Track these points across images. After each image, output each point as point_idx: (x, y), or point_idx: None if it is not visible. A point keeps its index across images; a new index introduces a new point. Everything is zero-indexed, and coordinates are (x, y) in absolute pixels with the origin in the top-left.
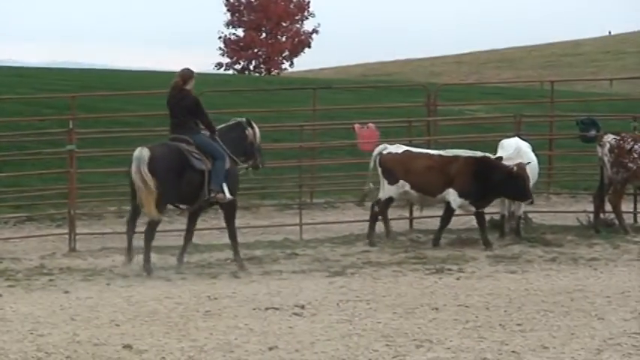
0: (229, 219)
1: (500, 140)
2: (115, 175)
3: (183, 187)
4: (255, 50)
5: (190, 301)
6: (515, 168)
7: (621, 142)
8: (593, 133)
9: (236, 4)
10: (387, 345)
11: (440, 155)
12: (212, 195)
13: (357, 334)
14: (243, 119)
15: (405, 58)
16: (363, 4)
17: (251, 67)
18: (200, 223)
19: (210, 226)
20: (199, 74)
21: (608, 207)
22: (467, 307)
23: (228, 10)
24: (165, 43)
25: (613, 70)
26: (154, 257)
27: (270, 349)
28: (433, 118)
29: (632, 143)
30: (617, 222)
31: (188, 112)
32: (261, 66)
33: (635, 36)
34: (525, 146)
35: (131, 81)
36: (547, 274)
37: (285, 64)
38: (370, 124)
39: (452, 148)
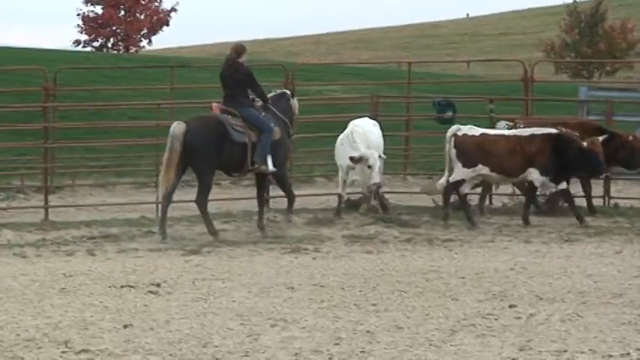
0: (283, 185)
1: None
2: None
3: (225, 158)
4: (114, 28)
5: (45, 278)
6: (585, 144)
7: (513, 128)
8: (449, 114)
9: None
10: (242, 324)
11: (516, 135)
12: (255, 166)
13: (212, 312)
14: (287, 90)
15: (263, 37)
16: None
17: (109, 45)
18: (56, 200)
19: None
20: (56, 51)
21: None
22: (322, 286)
23: None
24: (22, 19)
25: (470, 52)
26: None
27: (125, 326)
28: None
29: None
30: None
31: (241, 83)
32: (120, 44)
33: (492, 19)
34: (362, 126)
35: None
36: (402, 255)
37: (144, 42)
38: None
39: (310, 127)
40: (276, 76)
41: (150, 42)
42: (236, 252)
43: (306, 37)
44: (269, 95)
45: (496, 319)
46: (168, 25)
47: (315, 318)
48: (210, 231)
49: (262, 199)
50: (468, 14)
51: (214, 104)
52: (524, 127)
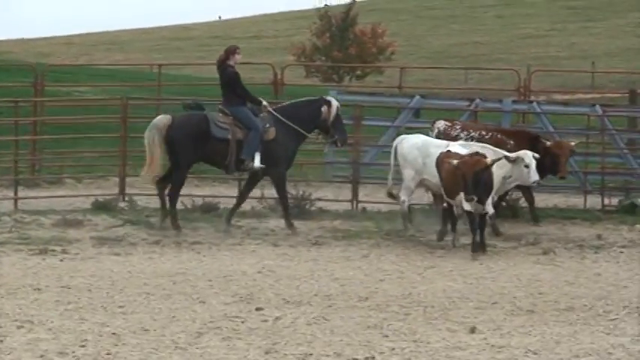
0: (279, 188)
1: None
2: None
3: (208, 153)
4: None
5: None
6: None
7: (450, 128)
8: None
9: None
10: None
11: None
12: (245, 163)
13: None
14: (321, 97)
15: (15, 37)
16: None
17: None
18: None
19: None
20: None
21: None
22: (69, 288)
23: None
24: None
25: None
26: None
27: None
28: (40, 98)
29: (459, 130)
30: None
31: (226, 85)
32: None
33: (244, 22)
34: None
35: None
36: (150, 257)
37: None
38: None
39: (60, 129)
40: (26, 76)
41: None
42: None
43: (58, 37)
44: (300, 100)
45: (242, 322)
46: None
47: (62, 320)
48: (173, 225)
49: (243, 197)
50: (219, 17)
51: None
52: (456, 128)
